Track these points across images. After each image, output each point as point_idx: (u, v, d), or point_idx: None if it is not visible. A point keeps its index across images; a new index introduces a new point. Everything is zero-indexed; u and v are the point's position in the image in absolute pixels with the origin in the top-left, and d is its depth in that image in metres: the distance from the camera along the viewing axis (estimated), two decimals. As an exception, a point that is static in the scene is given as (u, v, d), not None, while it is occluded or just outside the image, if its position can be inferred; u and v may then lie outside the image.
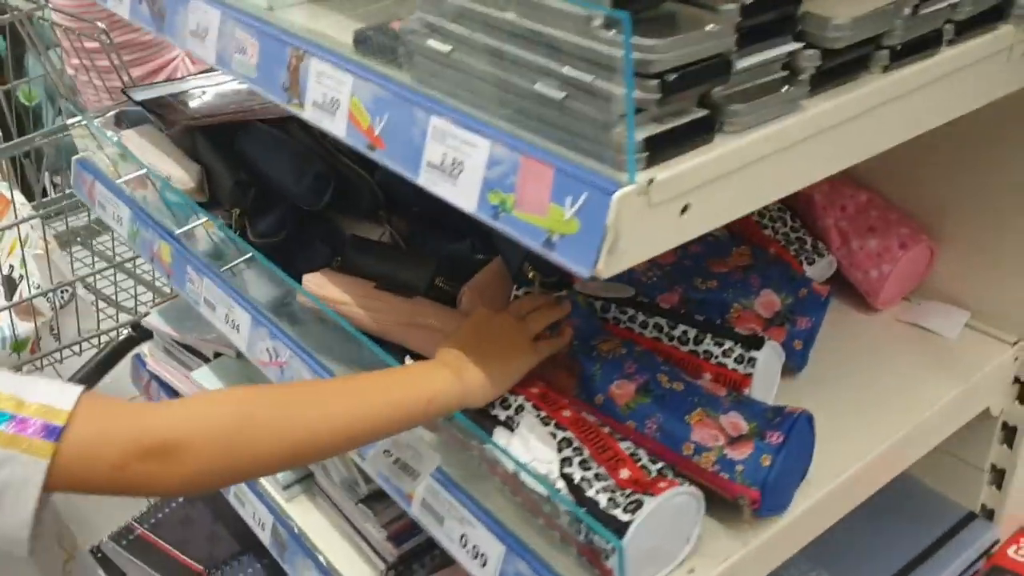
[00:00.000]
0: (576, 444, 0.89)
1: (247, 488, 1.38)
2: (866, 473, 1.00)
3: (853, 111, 0.75)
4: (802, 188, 0.77)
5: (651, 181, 0.63)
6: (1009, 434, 1.18)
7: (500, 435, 0.91)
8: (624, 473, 0.86)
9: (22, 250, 1.77)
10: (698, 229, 0.68)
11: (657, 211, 0.64)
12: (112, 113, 1.57)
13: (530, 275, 1.11)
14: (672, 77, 0.62)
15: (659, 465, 0.88)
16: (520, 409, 0.92)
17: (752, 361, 0.99)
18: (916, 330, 1.18)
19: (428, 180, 0.74)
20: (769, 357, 1.01)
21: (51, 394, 0.77)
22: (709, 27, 0.63)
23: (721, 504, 0.90)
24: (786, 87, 0.70)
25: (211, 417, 0.82)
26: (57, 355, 1.89)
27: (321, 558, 1.28)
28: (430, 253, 1.19)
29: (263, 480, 1.37)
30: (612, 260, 0.64)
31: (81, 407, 0.77)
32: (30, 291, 1.76)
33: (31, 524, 0.76)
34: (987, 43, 0.83)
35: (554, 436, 0.89)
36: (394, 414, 0.88)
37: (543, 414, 0.92)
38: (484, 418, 0.93)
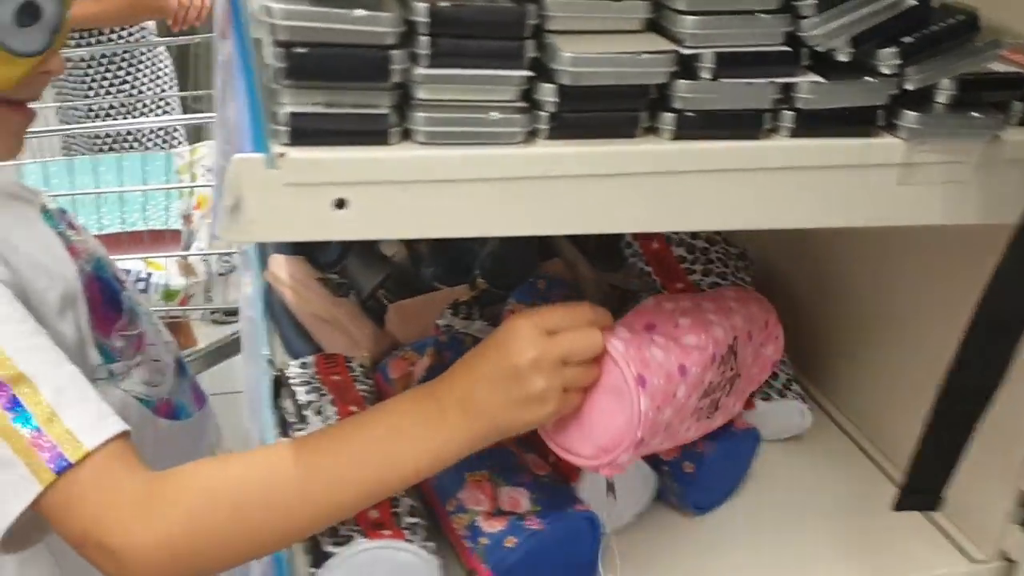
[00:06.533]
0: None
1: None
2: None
3: (597, 168, 0.67)
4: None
5: (282, 155, 0.62)
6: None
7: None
8: (373, 513, 0.82)
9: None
10: (362, 230, 0.65)
11: (298, 192, 0.63)
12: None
13: (477, 282, 1.09)
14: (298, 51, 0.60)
15: (414, 519, 0.82)
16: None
17: (589, 455, 0.90)
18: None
19: None
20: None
21: (84, 423, 0.73)
22: (358, 12, 0.60)
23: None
24: (502, 114, 0.64)
25: (159, 534, 0.70)
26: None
27: None
28: (401, 270, 1.20)
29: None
30: (234, 224, 0.63)
31: (100, 455, 0.72)
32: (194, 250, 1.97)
33: (4, 532, 0.72)
34: (854, 149, 0.71)
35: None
36: (382, 484, 0.73)
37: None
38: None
